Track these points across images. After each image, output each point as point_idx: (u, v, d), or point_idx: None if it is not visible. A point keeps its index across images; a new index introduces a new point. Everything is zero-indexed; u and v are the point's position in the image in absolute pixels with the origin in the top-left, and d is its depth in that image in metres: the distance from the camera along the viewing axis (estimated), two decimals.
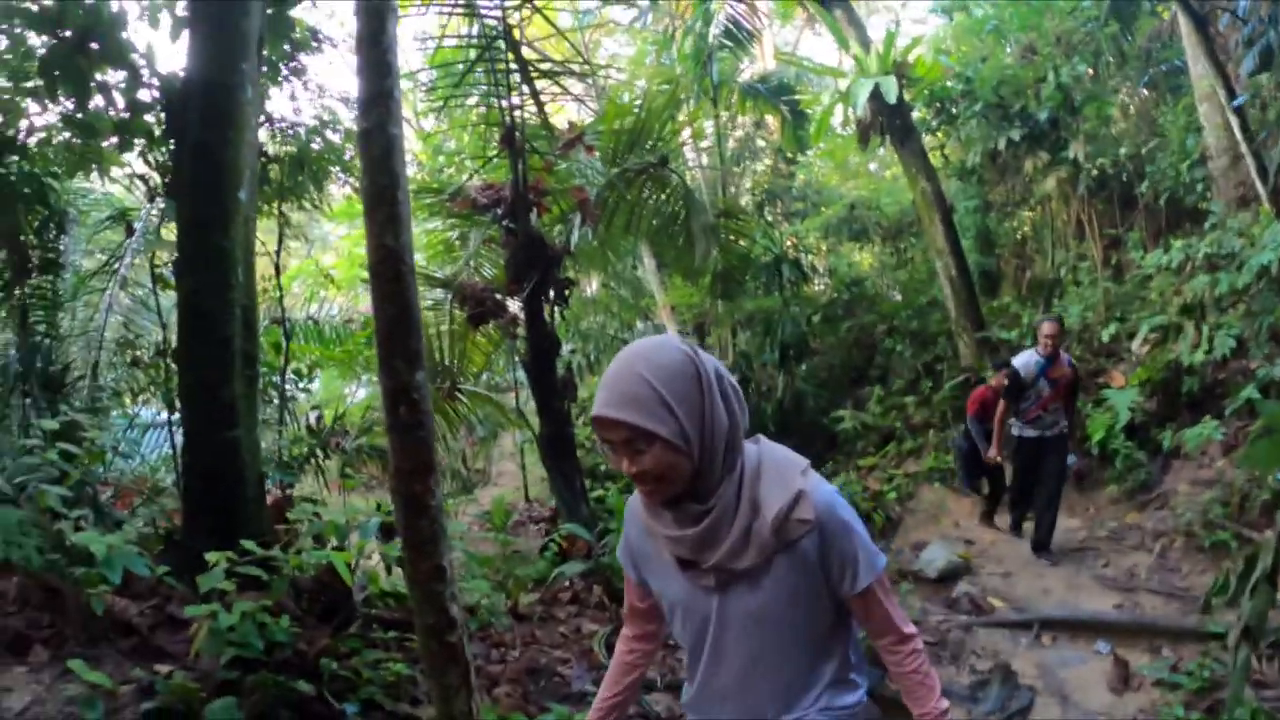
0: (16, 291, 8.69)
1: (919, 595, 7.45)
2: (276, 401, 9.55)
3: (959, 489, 10.15)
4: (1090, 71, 12.46)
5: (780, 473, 1.81)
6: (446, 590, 3.04)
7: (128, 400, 11.02)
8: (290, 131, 9.56)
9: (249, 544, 4.06)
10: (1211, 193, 10.49)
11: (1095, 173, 11.59)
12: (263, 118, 8.63)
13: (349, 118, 10.87)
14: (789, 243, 15.12)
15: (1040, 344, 7.63)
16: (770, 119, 17.03)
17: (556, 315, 7.63)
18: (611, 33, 23.59)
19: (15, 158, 7.85)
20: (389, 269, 2.70)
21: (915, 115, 13.06)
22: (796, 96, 15.23)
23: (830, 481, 1.90)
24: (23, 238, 8.59)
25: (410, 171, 19.02)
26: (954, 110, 12.92)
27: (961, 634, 6.45)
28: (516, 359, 7.92)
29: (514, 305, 7.59)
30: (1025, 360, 7.64)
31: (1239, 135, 9.03)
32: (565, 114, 15.20)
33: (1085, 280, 11.86)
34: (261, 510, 5.40)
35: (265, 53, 7.60)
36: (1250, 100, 9.66)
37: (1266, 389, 8.04)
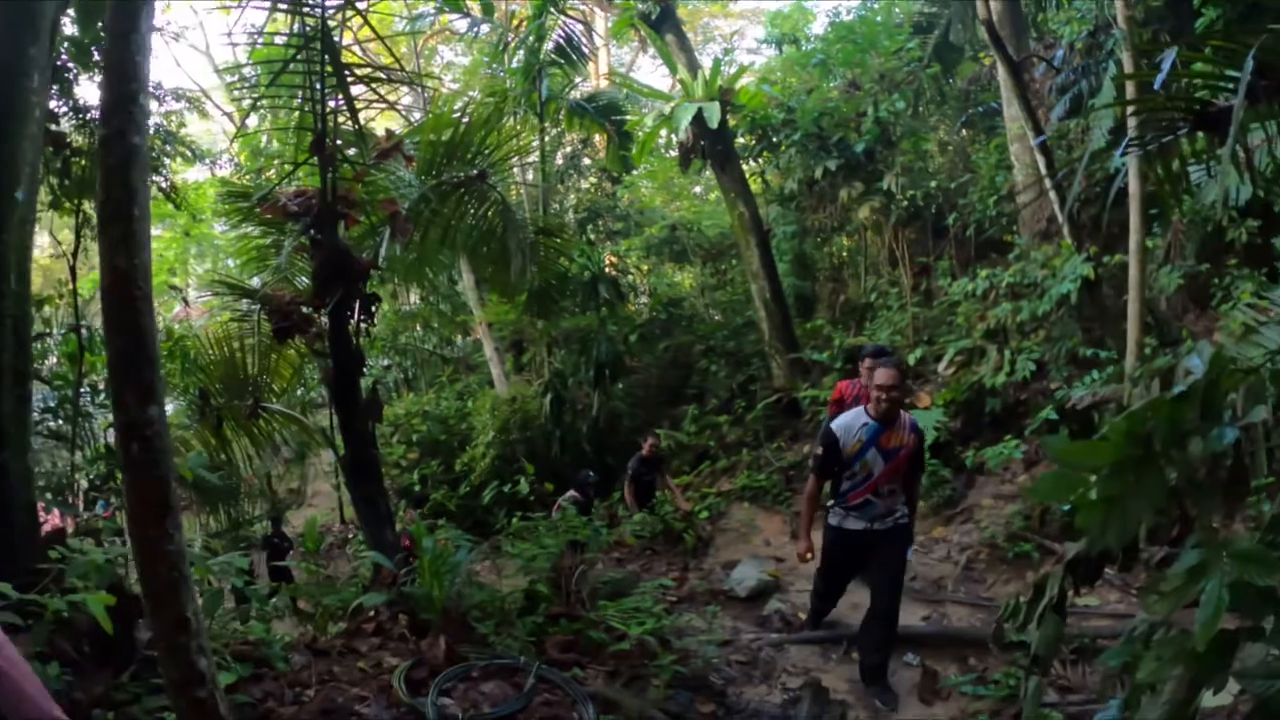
0: None
1: (729, 614, 7.27)
2: (66, 420, 8.62)
3: (770, 507, 10.24)
4: (910, 109, 12.98)
5: None
6: (192, 643, 2.84)
7: None
8: (98, 123, 8.82)
9: (2, 586, 3.64)
10: (1017, 226, 11.03)
11: (907, 204, 11.99)
12: (68, 107, 8.04)
13: (160, 110, 10.25)
14: (608, 261, 15.10)
15: (872, 399, 5.28)
16: (598, 138, 17.02)
17: (362, 332, 7.33)
18: (449, 41, 23.24)
19: None
20: (121, 293, 2.48)
21: (737, 141, 13.28)
22: (624, 117, 15.23)
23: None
24: None
25: (225, 172, 18.41)
26: (775, 138, 13.18)
27: (773, 652, 6.30)
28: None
29: (324, 319, 7.24)
30: (848, 422, 5.34)
31: (1044, 172, 9.54)
32: (393, 122, 14.89)
33: (895, 305, 12.25)
34: (33, 543, 4.68)
35: (79, 36, 7.02)
36: (1057, 142, 10.22)
37: (1063, 410, 8.31)
